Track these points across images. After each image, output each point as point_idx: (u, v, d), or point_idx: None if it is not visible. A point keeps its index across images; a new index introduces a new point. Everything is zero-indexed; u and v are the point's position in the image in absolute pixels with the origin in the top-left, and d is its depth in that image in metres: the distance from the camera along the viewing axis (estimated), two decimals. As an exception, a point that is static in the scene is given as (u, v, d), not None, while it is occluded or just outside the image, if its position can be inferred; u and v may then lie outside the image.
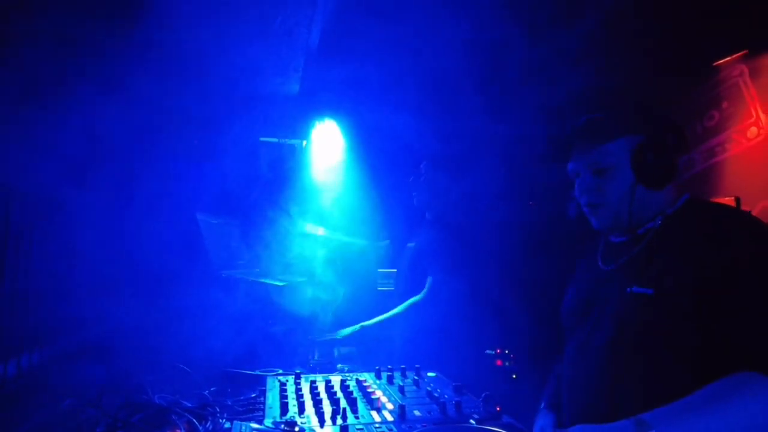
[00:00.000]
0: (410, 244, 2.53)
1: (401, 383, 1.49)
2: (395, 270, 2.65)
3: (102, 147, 1.99)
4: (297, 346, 2.21)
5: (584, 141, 1.29)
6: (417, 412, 1.27)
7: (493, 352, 2.60)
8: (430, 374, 1.66)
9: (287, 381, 1.53)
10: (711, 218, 1.15)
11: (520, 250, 2.81)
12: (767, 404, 0.94)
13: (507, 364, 2.61)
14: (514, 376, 2.59)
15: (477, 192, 2.53)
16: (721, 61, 3.12)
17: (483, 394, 1.34)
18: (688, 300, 1.07)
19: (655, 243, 1.22)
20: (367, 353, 2.14)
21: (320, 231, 2.90)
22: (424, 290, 2.25)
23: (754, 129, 3.02)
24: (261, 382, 1.66)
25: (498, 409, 1.31)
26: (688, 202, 1.24)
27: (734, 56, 3.06)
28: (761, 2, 2.60)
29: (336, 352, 2.00)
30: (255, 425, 1.19)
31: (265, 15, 2.36)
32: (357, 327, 2.19)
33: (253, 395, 1.56)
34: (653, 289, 1.14)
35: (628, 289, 1.18)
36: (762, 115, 2.97)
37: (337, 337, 2.17)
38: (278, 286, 2.33)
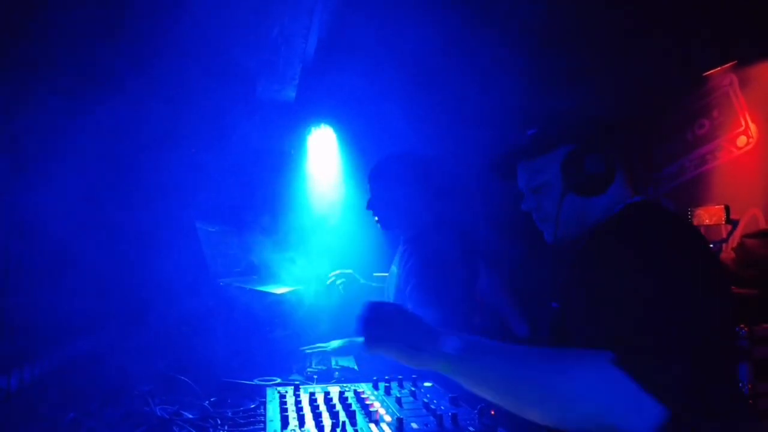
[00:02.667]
0: (393, 267, 2.35)
1: (398, 394, 1.52)
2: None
3: (98, 158, 2.00)
4: (294, 353, 2.23)
5: (523, 160, 1.29)
6: (414, 425, 1.30)
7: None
8: (426, 384, 1.69)
9: (287, 392, 1.55)
10: (621, 225, 1.11)
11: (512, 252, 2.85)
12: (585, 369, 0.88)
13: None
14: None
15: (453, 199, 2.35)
16: (712, 71, 3.19)
17: (478, 406, 1.38)
18: (581, 311, 1.05)
19: (582, 253, 1.18)
20: (364, 361, 2.17)
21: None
22: None
23: (743, 138, 3.08)
24: (260, 392, 1.69)
25: (492, 413, 1.34)
26: (625, 209, 1.17)
27: (724, 66, 3.13)
28: (750, 15, 2.66)
29: (334, 362, 2.03)
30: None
31: (263, 25, 2.39)
32: (346, 341, 2.18)
33: (253, 406, 1.59)
34: (560, 303, 1.15)
35: (552, 305, 1.20)
36: (751, 125, 3.03)
37: (327, 348, 2.19)
38: (276, 294, 2.35)
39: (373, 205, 2.25)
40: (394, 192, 2.18)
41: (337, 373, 1.95)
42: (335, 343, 2.20)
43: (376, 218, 2.28)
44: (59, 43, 1.86)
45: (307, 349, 2.20)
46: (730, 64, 3.14)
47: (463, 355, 0.97)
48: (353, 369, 1.99)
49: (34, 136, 1.77)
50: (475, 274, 2.23)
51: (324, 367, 2.01)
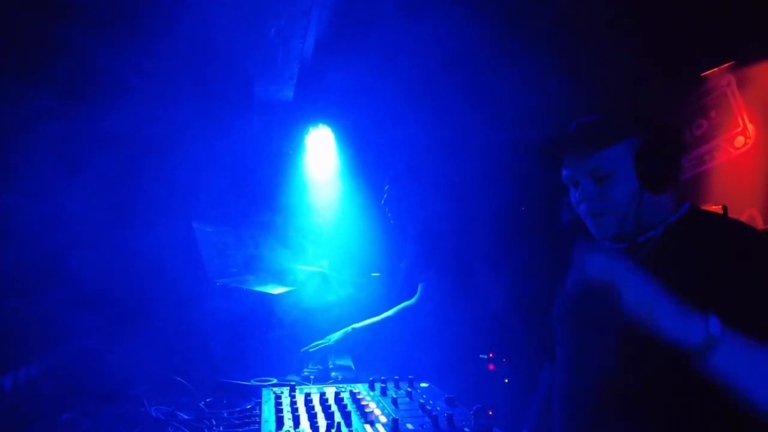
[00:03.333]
0: (402, 264, 2.58)
1: (394, 395, 1.52)
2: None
3: (95, 159, 2.00)
4: (291, 354, 2.23)
5: (581, 146, 1.22)
6: (410, 426, 1.30)
7: (486, 357, 2.64)
8: (422, 385, 1.69)
9: (282, 393, 1.55)
10: (719, 231, 1.10)
11: (511, 253, 2.85)
12: None
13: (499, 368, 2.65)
14: (506, 381, 2.63)
15: (457, 198, 2.57)
16: (710, 71, 3.18)
17: (474, 407, 1.38)
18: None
19: (657, 253, 1.16)
20: (361, 361, 2.17)
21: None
22: (416, 296, 2.28)
23: (741, 138, 3.07)
24: (256, 392, 1.68)
25: (490, 413, 1.34)
26: (691, 211, 1.19)
27: (722, 67, 3.12)
28: (748, 14, 2.65)
29: (331, 363, 2.02)
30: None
31: (261, 25, 2.38)
32: (348, 329, 2.22)
33: (248, 406, 1.59)
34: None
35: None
36: (749, 125, 3.03)
37: (328, 343, 2.19)
38: (273, 294, 2.35)
39: (388, 204, 2.56)
40: (405, 194, 2.49)
41: (333, 373, 1.94)
42: (335, 336, 2.20)
43: (390, 215, 2.57)
44: (56, 45, 1.86)
45: (311, 348, 2.18)
46: (728, 64, 3.14)
47: (732, 341, 0.90)
48: (350, 368, 1.99)
49: (34, 138, 1.76)
50: (471, 274, 2.32)
51: (320, 368, 2.01)
